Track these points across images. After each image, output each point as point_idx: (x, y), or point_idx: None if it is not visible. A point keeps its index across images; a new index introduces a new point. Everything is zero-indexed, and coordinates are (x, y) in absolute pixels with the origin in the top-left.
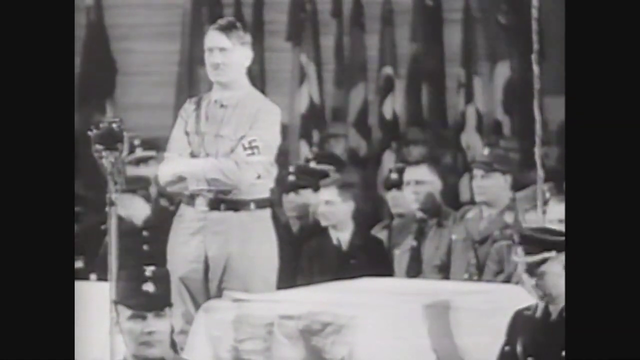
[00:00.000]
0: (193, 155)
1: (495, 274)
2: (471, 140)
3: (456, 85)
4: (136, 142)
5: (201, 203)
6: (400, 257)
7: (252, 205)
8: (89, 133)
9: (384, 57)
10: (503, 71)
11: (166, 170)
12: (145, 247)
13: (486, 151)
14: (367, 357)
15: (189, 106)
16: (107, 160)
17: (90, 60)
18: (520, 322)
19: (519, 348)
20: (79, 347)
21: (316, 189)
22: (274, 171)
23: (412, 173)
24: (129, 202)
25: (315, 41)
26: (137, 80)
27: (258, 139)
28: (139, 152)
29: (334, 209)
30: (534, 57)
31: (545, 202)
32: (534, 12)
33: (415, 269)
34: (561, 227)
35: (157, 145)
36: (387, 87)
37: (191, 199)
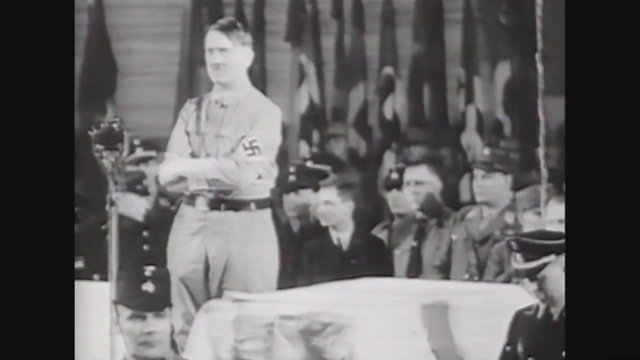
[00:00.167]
0: (193, 155)
1: (495, 275)
2: (471, 140)
3: (456, 86)
4: (136, 142)
5: (201, 203)
6: (401, 257)
7: (253, 206)
8: (90, 133)
9: (385, 57)
10: (504, 71)
11: (167, 170)
12: (145, 247)
13: (487, 151)
14: (367, 357)
15: (189, 106)
16: (107, 160)
17: (90, 60)
18: (521, 323)
19: (519, 348)
20: (79, 347)
21: (316, 189)
22: (275, 171)
23: (412, 173)
24: (128, 199)
25: (315, 41)
26: (137, 81)
27: (258, 139)
28: (139, 152)
29: (334, 209)
30: (537, 56)
31: (545, 203)
32: (538, 11)
33: (415, 269)
34: (561, 228)
35: (157, 145)
36: (387, 87)
37: (191, 199)
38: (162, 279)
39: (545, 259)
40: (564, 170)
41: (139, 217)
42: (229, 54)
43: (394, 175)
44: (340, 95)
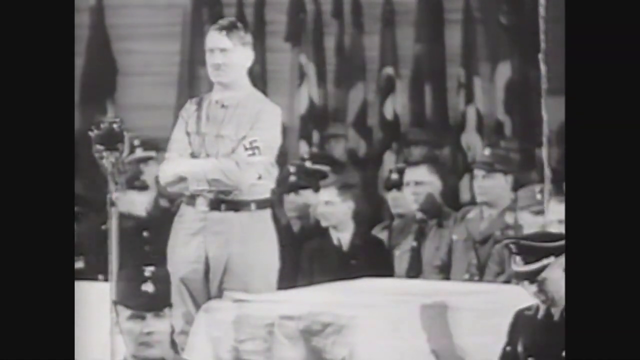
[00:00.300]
0: (194, 155)
1: (496, 275)
2: (472, 140)
3: (457, 86)
4: (136, 142)
5: (202, 203)
6: (401, 257)
7: (253, 206)
8: (90, 133)
9: (385, 57)
10: (504, 71)
11: (167, 170)
12: (145, 247)
13: (487, 151)
14: (367, 357)
15: (189, 106)
16: (107, 160)
17: (91, 61)
18: (521, 323)
19: (519, 348)
20: (79, 348)
21: (317, 189)
22: (275, 172)
23: (412, 173)
24: (128, 197)
25: (315, 41)
26: (137, 81)
27: (259, 140)
28: (139, 153)
29: (334, 209)
30: (540, 56)
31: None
32: (542, 11)
33: (415, 270)
34: (561, 228)
35: (157, 145)
36: (387, 88)
37: (192, 199)
38: (162, 279)
39: (544, 261)
40: (564, 171)
41: (142, 213)
42: (229, 54)
43: (394, 176)
44: (340, 95)
